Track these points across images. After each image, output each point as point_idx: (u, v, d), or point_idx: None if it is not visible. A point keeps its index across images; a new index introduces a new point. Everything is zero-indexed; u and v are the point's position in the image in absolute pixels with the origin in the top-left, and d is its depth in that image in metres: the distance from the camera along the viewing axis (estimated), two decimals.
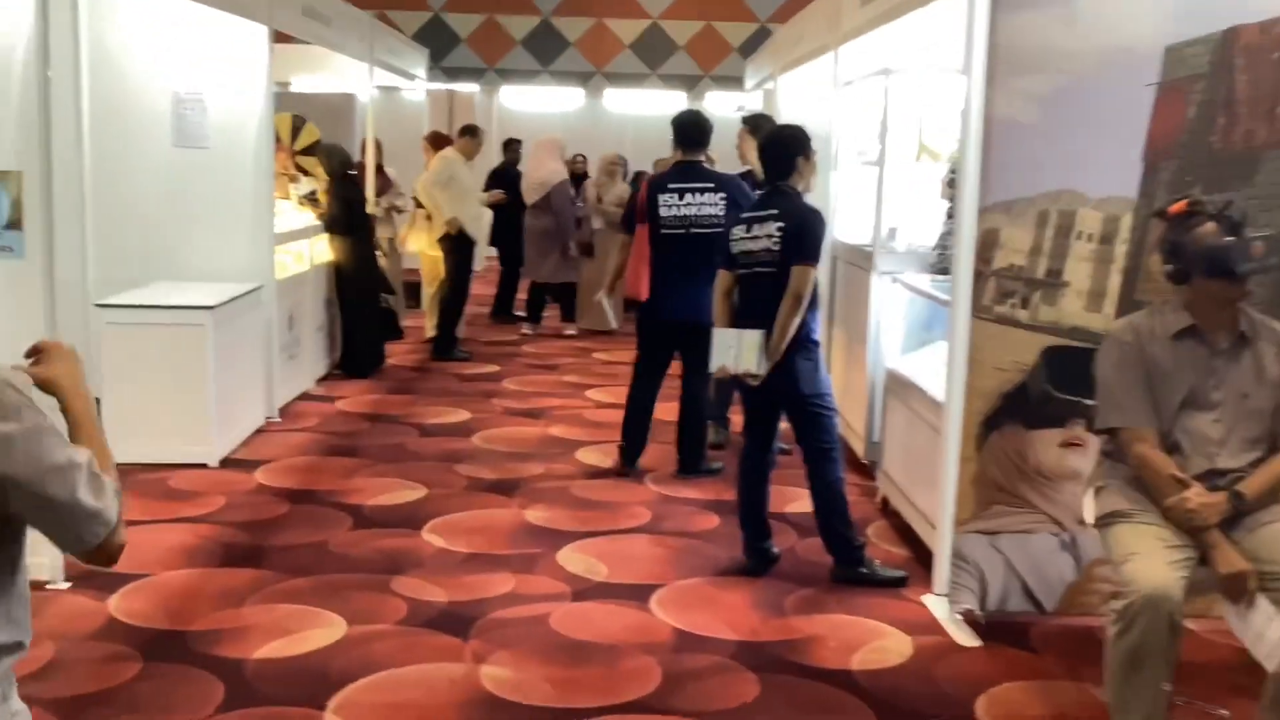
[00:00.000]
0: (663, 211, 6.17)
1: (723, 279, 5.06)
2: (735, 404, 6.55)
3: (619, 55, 17.19)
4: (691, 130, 6.33)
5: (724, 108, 17.32)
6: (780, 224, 4.79)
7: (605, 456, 6.81)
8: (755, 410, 5.06)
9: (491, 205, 10.52)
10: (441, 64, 16.49)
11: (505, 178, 11.79)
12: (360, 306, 9.02)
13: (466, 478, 6.47)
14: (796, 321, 4.76)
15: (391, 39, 11.44)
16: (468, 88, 14.57)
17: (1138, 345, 3.57)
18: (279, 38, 7.74)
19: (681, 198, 6.15)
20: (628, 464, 6.56)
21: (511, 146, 12.60)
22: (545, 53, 17.19)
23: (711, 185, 6.20)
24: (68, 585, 4.68)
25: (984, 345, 4.39)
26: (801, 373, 4.82)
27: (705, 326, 5.13)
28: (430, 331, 10.48)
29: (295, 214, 9.45)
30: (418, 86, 13.48)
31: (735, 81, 16.55)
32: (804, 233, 4.78)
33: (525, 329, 11.49)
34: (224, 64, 7.32)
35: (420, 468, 6.62)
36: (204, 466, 6.41)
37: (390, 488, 6.22)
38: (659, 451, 6.97)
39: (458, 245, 9.94)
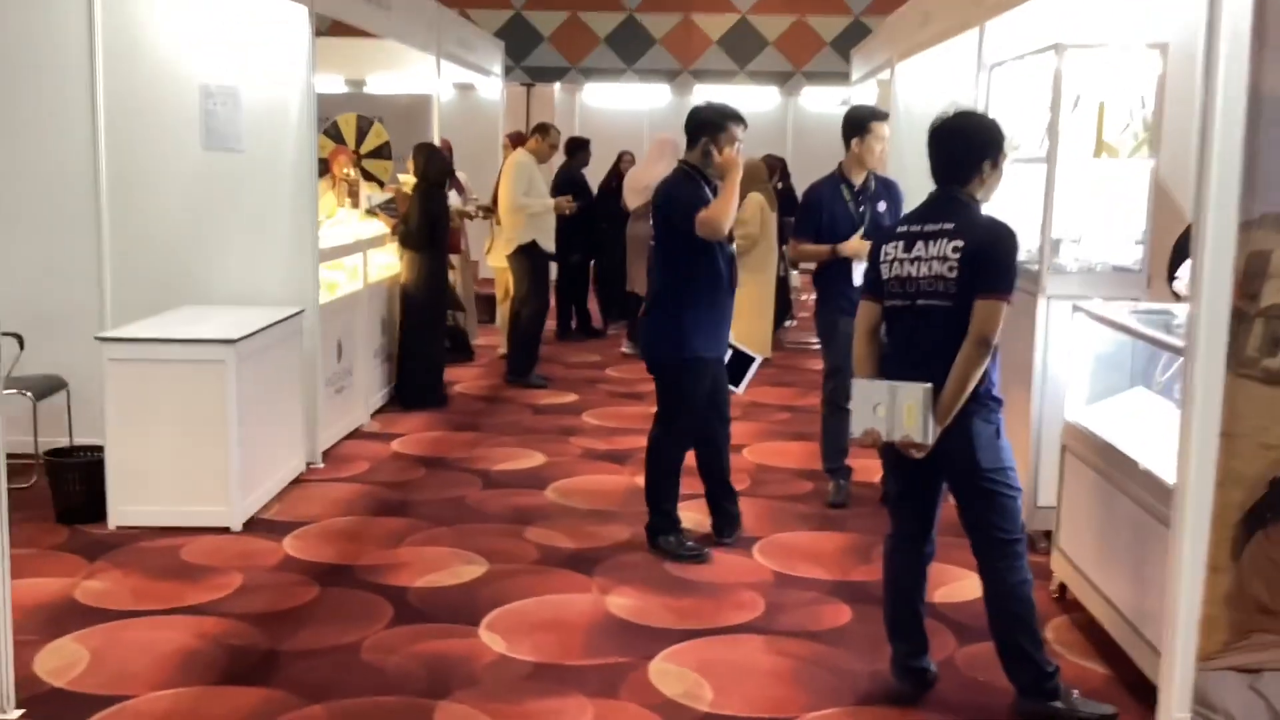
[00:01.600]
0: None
1: (866, 312, 3.86)
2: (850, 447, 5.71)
3: (707, 51, 16.62)
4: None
5: (821, 103, 16.28)
6: (958, 242, 3.58)
7: (702, 514, 5.60)
8: (911, 486, 3.85)
9: (561, 213, 9.34)
10: (523, 64, 16.10)
11: (571, 184, 10.40)
12: (424, 331, 7.95)
13: (536, 547, 5.34)
14: (979, 373, 3.55)
15: (463, 29, 10.38)
16: (548, 86, 13.51)
17: None
18: (340, 30, 6.69)
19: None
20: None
21: (578, 148, 11.14)
22: (630, 50, 16.64)
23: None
24: None
25: (1246, 413, 3.14)
26: (980, 440, 3.60)
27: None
28: (504, 349, 9.47)
29: (351, 224, 8.44)
30: (492, 83, 12.42)
31: (829, 77, 15.86)
32: (993, 255, 3.56)
33: (625, 348, 10.33)
34: (260, 52, 6.28)
35: (481, 533, 5.50)
36: (225, 531, 5.37)
37: (442, 562, 5.11)
38: (764, 509, 5.81)
39: (532, 258, 8.86)
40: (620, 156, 11.15)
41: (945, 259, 3.57)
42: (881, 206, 5.66)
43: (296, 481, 6.16)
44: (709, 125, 5.03)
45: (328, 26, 7.79)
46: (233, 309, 6.10)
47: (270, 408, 5.82)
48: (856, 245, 5.49)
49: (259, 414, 5.65)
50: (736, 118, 5.05)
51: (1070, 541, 4.59)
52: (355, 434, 7.25)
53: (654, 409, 5.34)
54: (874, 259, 3.86)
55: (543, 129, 9.20)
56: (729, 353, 5.28)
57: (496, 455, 6.85)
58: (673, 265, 5.05)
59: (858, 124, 5.64)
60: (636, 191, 9.96)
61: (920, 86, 7.86)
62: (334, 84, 14.92)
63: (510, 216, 8.83)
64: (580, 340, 10.95)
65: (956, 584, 4.75)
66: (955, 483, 3.72)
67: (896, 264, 3.72)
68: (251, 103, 6.30)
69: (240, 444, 5.37)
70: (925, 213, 3.73)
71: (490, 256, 9.73)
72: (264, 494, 5.73)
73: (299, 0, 6.15)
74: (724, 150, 4.97)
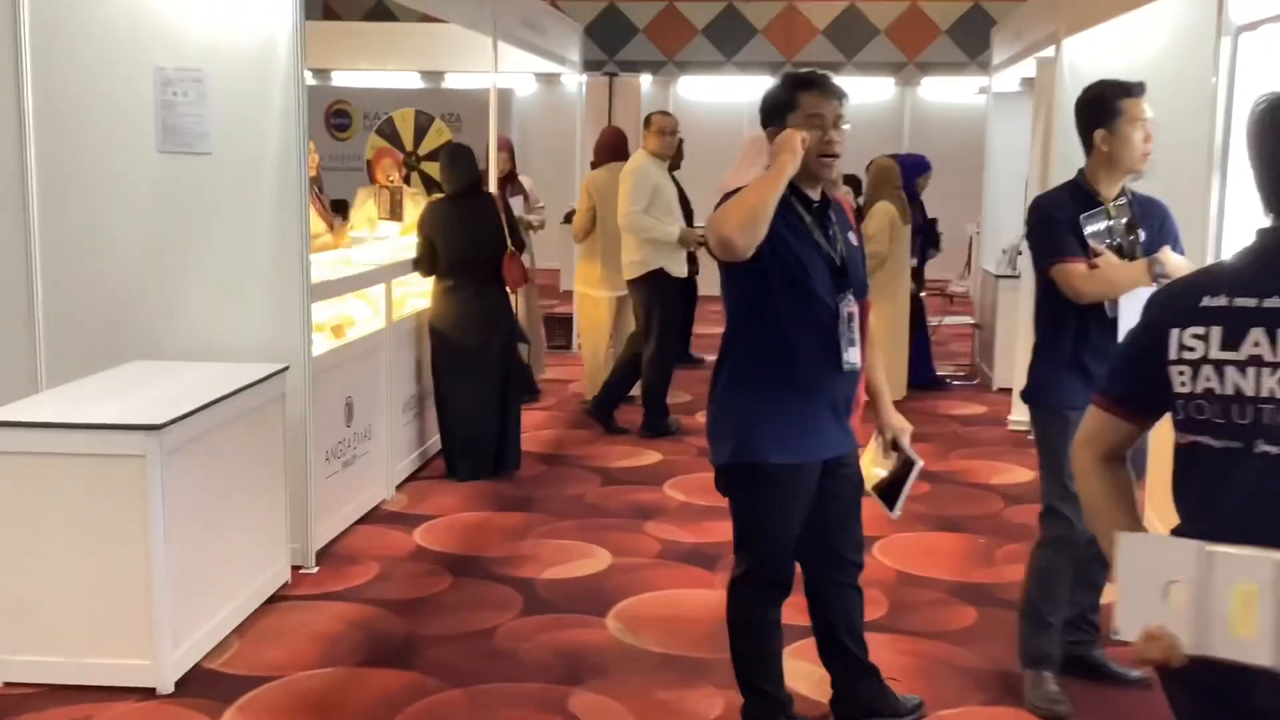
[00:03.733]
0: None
1: (1110, 430, 2.15)
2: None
3: (812, 42, 15.48)
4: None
5: (946, 93, 14.61)
6: None
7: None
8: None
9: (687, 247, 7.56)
10: (615, 58, 15.04)
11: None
12: (447, 380, 6.32)
13: None
14: None
15: (529, 7, 8.74)
16: (633, 75, 11.85)
17: None
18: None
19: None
20: None
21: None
22: (730, 41, 15.53)
23: None
24: None
25: None
26: None
27: None
28: (589, 391, 7.92)
29: (392, 242, 6.91)
30: (569, 73, 10.79)
31: (946, 67, 14.80)
32: None
33: None
34: (233, 26, 4.72)
35: (509, 699, 3.85)
36: (150, 694, 3.79)
37: None
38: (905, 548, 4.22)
39: (659, 287, 7.22)
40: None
41: None
42: (1141, 236, 3.74)
43: (274, 600, 4.57)
44: (775, 109, 3.29)
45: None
46: (192, 367, 4.55)
47: (230, 506, 4.25)
48: (1178, 261, 3.60)
49: (210, 518, 4.09)
50: (810, 83, 3.25)
51: None
52: (372, 515, 5.66)
53: None
54: (1140, 346, 2.12)
55: (648, 120, 7.49)
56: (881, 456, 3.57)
57: (546, 554, 5.19)
58: (734, 332, 3.35)
59: (1102, 106, 3.64)
60: None
61: (1106, 64, 6.01)
62: (407, 78, 13.57)
63: (628, 236, 7.21)
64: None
65: None
66: None
67: (1211, 370, 1.96)
68: (222, 91, 4.74)
69: (171, 568, 3.80)
70: (1265, 272, 1.97)
71: (582, 279, 8.11)
72: (215, 631, 4.14)
73: None
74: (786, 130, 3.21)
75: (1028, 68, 8.61)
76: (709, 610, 4.54)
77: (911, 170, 8.59)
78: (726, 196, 3.23)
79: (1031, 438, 3.91)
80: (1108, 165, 3.67)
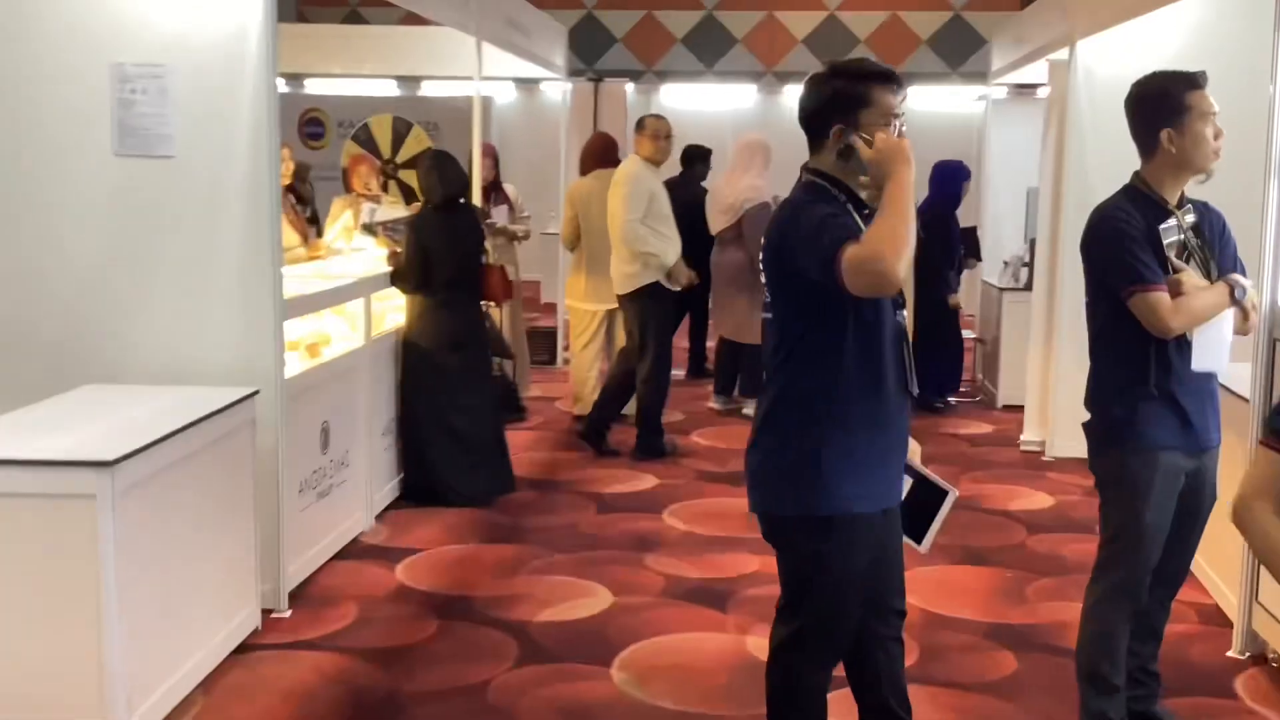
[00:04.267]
0: None
1: None
2: None
3: (792, 51, 15.25)
4: None
5: (929, 103, 14.36)
6: None
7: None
8: None
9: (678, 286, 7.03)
10: (595, 66, 14.77)
11: (690, 206, 8.11)
12: (419, 407, 5.90)
13: None
14: None
15: (512, 5, 8.33)
16: (620, 81, 11.49)
17: None
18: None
19: None
20: None
21: (696, 159, 9.07)
22: (709, 51, 15.34)
23: None
24: None
25: None
26: None
27: None
28: (578, 409, 7.57)
29: (370, 253, 6.49)
30: (553, 79, 10.40)
31: (926, 77, 14.48)
32: None
33: (713, 403, 8.30)
34: (199, 18, 4.30)
35: None
36: None
37: None
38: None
39: (656, 300, 6.83)
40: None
41: None
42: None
43: (243, 649, 4.14)
44: (841, 102, 2.80)
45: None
46: (152, 392, 4.12)
47: (194, 546, 3.82)
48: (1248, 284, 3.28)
49: (170, 562, 3.66)
50: (884, 77, 2.83)
51: None
52: (351, 547, 5.23)
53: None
54: None
55: (641, 124, 7.07)
56: (905, 486, 3.15)
57: (542, 593, 4.77)
58: (797, 350, 2.83)
59: (1166, 102, 3.25)
60: (722, 211, 7.86)
61: (1131, 66, 5.66)
62: (383, 85, 13.21)
63: (623, 247, 6.78)
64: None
65: None
66: None
67: None
68: (185, 89, 4.32)
69: (126, 621, 3.37)
70: None
71: (569, 292, 7.72)
72: (177, 688, 3.71)
73: None
74: (876, 134, 2.76)
75: (1031, 74, 8.28)
76: (724, 658, 4.16)
77: (955, 177, 8.13)
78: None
79: (1091, 471, 3.47)
80: (1175, 167, 3.28)
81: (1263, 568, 3.11)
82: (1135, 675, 3.50)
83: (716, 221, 7.90)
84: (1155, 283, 3.16)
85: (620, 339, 7.29)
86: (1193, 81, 3.26)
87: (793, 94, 14.41)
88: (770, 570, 4.76)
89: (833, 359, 2.77)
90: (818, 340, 2.78)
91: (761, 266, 2.91)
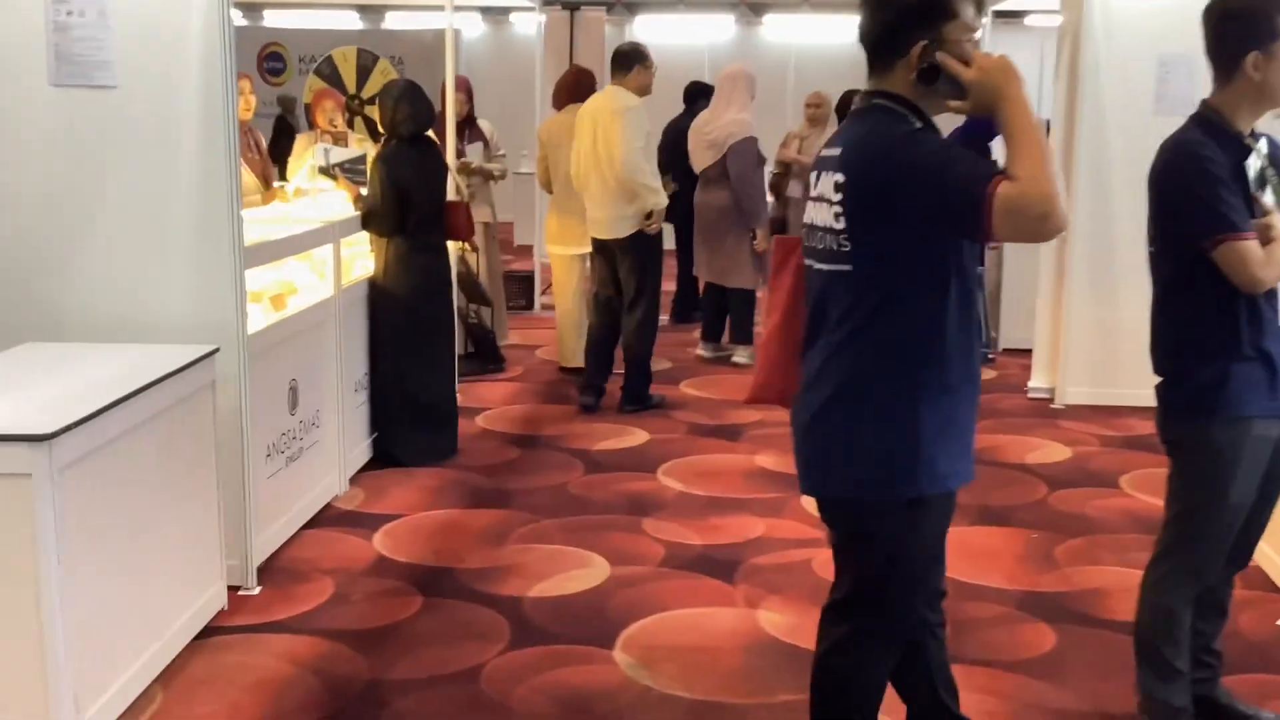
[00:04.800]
0: None
1: None
2: None
3: None
4: None
5: None
6: None
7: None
8: None
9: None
10: None
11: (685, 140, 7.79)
12: (399, 353, 5.47)
13: None
14: None
15: None
16: (598, 10, 10.97)
17: None
18: None
19: None
20: None
21: (700, 95, 8.51)
22: None
23: None
24: None
25: None
26: None
27: None
28: (565, 361, 7.27)
29: (335, 196, 6.04)
30: (525, 6, 9.89)
31: None
32: None
33: (701, 350, 7.91)
34: None
35: None
36: None
37: None
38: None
39: (651, 243, 6.41)
40: None
41: None
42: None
43: (208, 633, 3.75)
44: (926, 13, 2.35)
45: None
46: (100, 350, 3.70)
47: (149, 523, 3.42)
48: None
49: (121, 543, 3.26)
50: None
51: None
52: (324, 514, 4.84)
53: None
54: None
55: (631, 58, 6.47)
56: None
57: (532, 563, 4.40)
58: (886, 309, 2.39)
59: (1256, 23, 2.80)
60: (705, 147, 7.44)
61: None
62: (345, 18, 12.70)
63: (628, 183, 6.24)
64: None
65: None
66: None
67: None
68: (129, 12, 3.85)
69: (70, 612, 2.98)
70: None
71: (547, 236, 7.30)
72: (132, 684, 3.32)
73: None
74: (972, 52, 2.33)
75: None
76: (736, 636, 3.82)
77: (982, 133, 7.70)
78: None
79: (1162, 440, 3.08)
80: (1254, 97, 2.87)
81: None
82: (1199, 656, 3.17)
83: (700, 158, 7.48)
84: (1243, 230, 2.77)
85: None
86: None
87: (772, 25, 13.88)
88: (777, 535, 4.57)
89: (937, 318, 2.37)
90: (916, 296, 2.37)
91: (810, 216, 2.49)
